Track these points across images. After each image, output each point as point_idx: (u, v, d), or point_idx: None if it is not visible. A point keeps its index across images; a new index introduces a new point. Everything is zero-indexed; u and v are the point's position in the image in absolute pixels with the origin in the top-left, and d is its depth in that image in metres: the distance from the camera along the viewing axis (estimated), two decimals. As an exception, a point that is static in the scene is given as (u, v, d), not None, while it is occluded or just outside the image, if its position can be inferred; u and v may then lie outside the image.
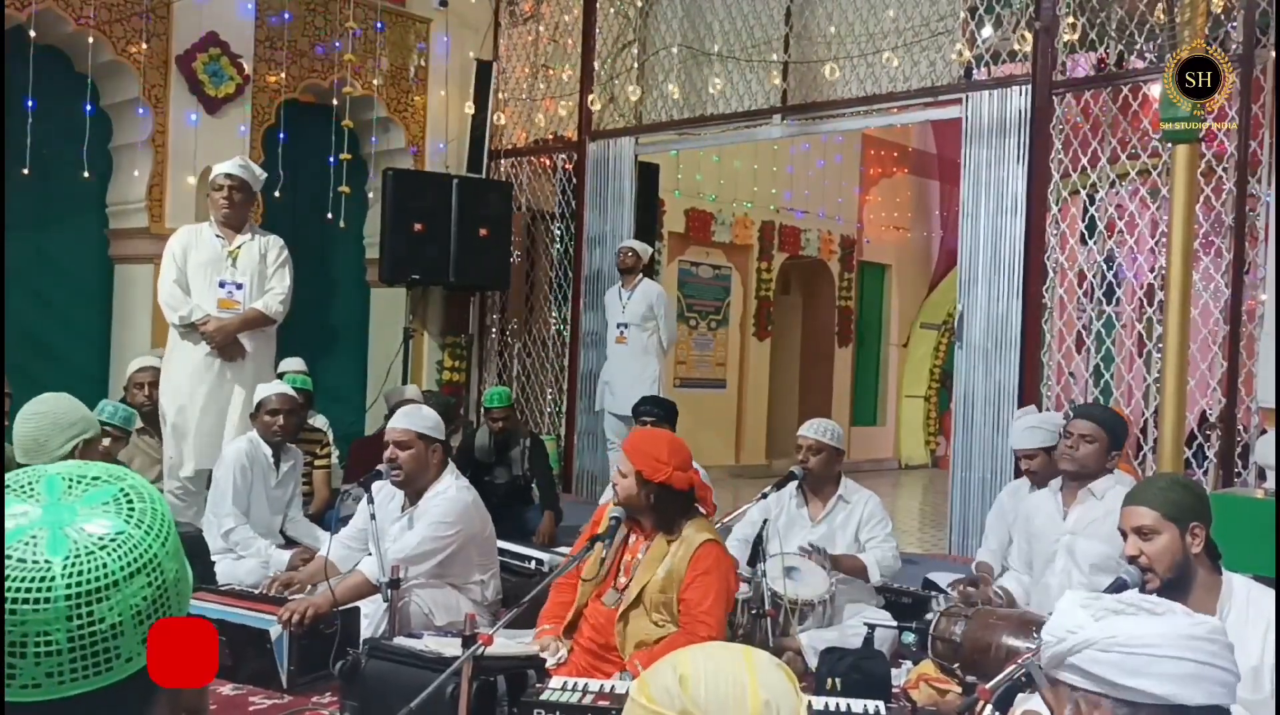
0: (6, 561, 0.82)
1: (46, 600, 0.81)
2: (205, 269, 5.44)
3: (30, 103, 6.22)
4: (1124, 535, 2.76)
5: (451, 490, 4.16)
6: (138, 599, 0.85)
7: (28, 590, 0.81)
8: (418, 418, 4.21)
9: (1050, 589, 3.97)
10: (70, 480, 0.88)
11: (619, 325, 7.27)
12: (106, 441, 4.77)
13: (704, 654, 1.19)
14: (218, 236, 5.49)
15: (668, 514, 3.47)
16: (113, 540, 0.85)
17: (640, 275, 7.28)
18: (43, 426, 3.36)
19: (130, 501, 0.88)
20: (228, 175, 5.47)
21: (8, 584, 0.81)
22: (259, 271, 5.51)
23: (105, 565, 0.84)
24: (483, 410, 7.12)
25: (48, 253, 6.76)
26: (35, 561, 0.82)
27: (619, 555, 3.54)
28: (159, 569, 0.87)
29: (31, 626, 0.81)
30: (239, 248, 5.49)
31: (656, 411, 5.76)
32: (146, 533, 0.88)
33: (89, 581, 0.83)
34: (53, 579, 0.82)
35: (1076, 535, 3.95)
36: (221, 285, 5.45)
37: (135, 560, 0.86)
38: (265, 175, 5.83)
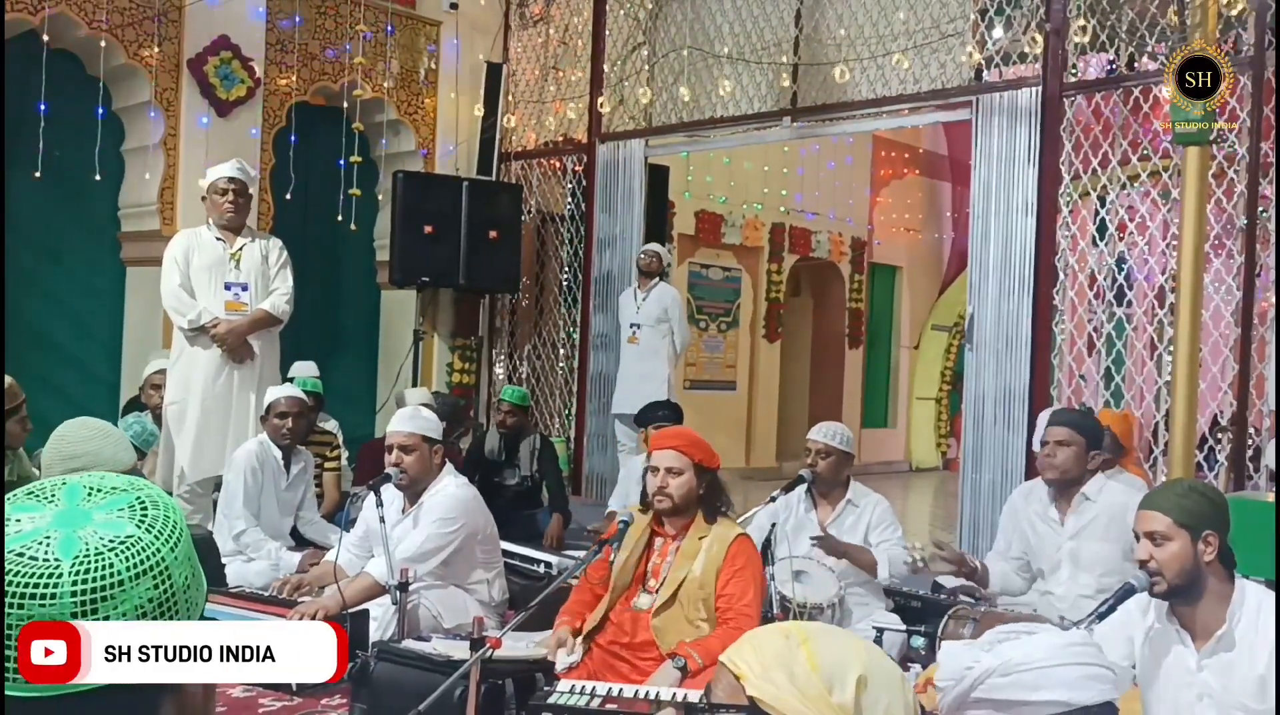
0: (19, 560, 0.86)
1: (53, 596, 0.85)
2: (209, 272, 5.46)
3: (43, 106, 6.25)
4: (1138, 538, 2.75)
5: (451, 486, 4.18)
6: (143, 600, 0.88)
7: (35, 585, 0.85)
8: (419, 420, 4.22)
9: (1055, 597, 3.97)
10: (90, 489, 0.93)
11: (632, 325, 7.28)
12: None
13: (885, 665, 1.19)
14: (218, 239, 5.51)
15: (715, 501, 3.51)
16: (122, 543, 0.89)
17: (658, 278, 7.31)
18: (51, 450, 3.35)
19: (144, 508, 0.92)
20: (230, 179, 5.49)
21: (18, 579, 0.85)
22: (262, 272, 5.54)
23: (112, 565, 0.87)
24: (495, 402, 7.14)
25: (60, 255, 6.80)
26: (46, 560, 0.86)
27: (645, 560, 3.53)
28: (166, 573, 0.90)
29: (38, 620, 0.85)
30: (240, 250, 5.52)
31: (670, 416, 5.77)
32: (156, 537, 0.91)
33: (95, 580, 0.86)
34: (60, 576, 0.86)
35: (1078, 541, 3.95)
36: (227, 288, 5.47)
37: (142, 562, 0.89)
38: (259, 174, 5.84)
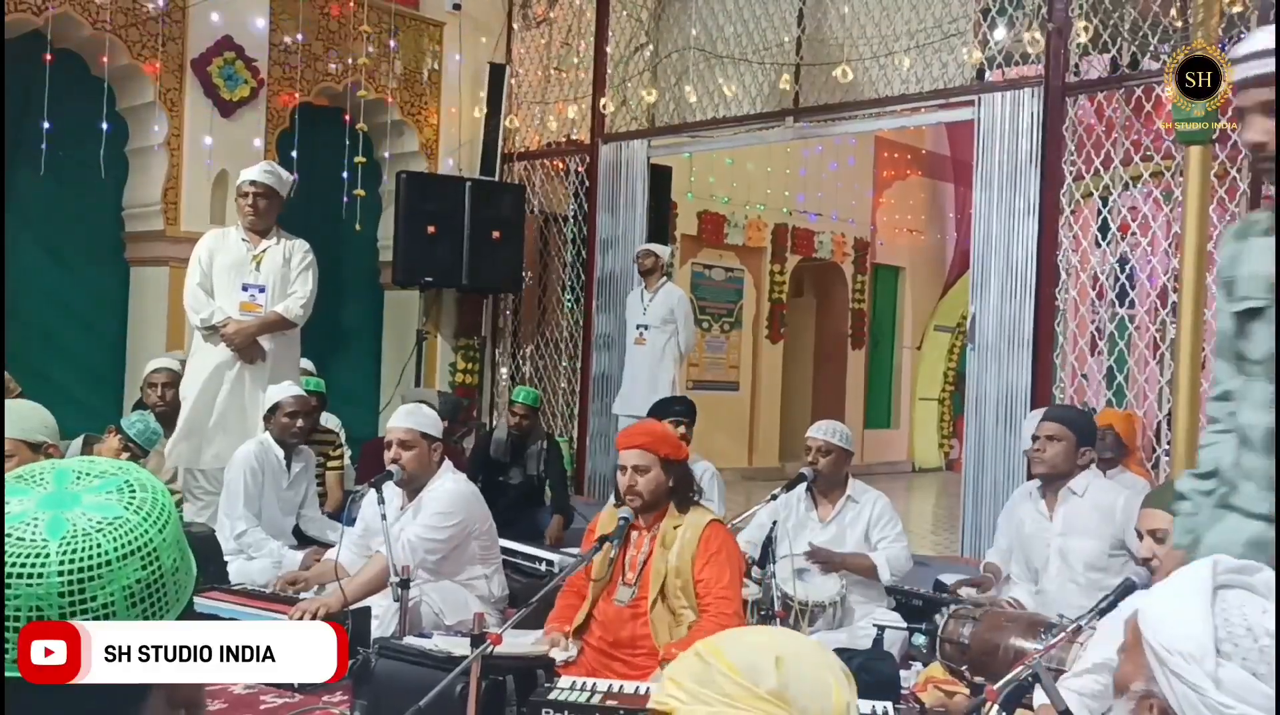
0: (7, 541, 0.87)
1: (40, 576, 0.86)
2: (229, 272, 5.50)
3: (47, 106, 6.27)
4: (1140, 536, 2.75)
5: (449, 482, 4.19)
6: (130, 580, 0.89)
7: (23, 565, 0.86)
8: (419, 417, 4.23)
9: (1048, 593, 3.97)
10: (79, 473, 0.93)
11: (639, 327, 7.28)
12: (126, 455, 4.77)
13: (795, 640, 1.19)
14: (243, 240, 5.57)
15: (685, 491, 3.55)
16: (109, 524, 0.89)
17: (663, 278, 7.32)
18: None
19: (132, 490, 0.93)
20: (253, 182, 5.52)
21: (6, 560, 0.86)
22: (282, 275, 5.56)
23: (100, 546, 0.88)
24: (507, 403, 7.15)
25: (64, 255, 6.81)
26: (34, 540, 0.87)
27: (622, 554, 3.56)
28: (154, 554, 0.91)
29: (25, 601, 0.86)
30: (263, 252, 5.56)
31: (684, 411, 5.77)
32: (144, 519, 0.91)
33: (82, 560, 0.87)
34: (48, 556, 0.86)
35: (1066, 536, 3.95)
36: (244, 288, 5.50)
37: (129, 543, 0.89)
38: (293, 179, 5.87)
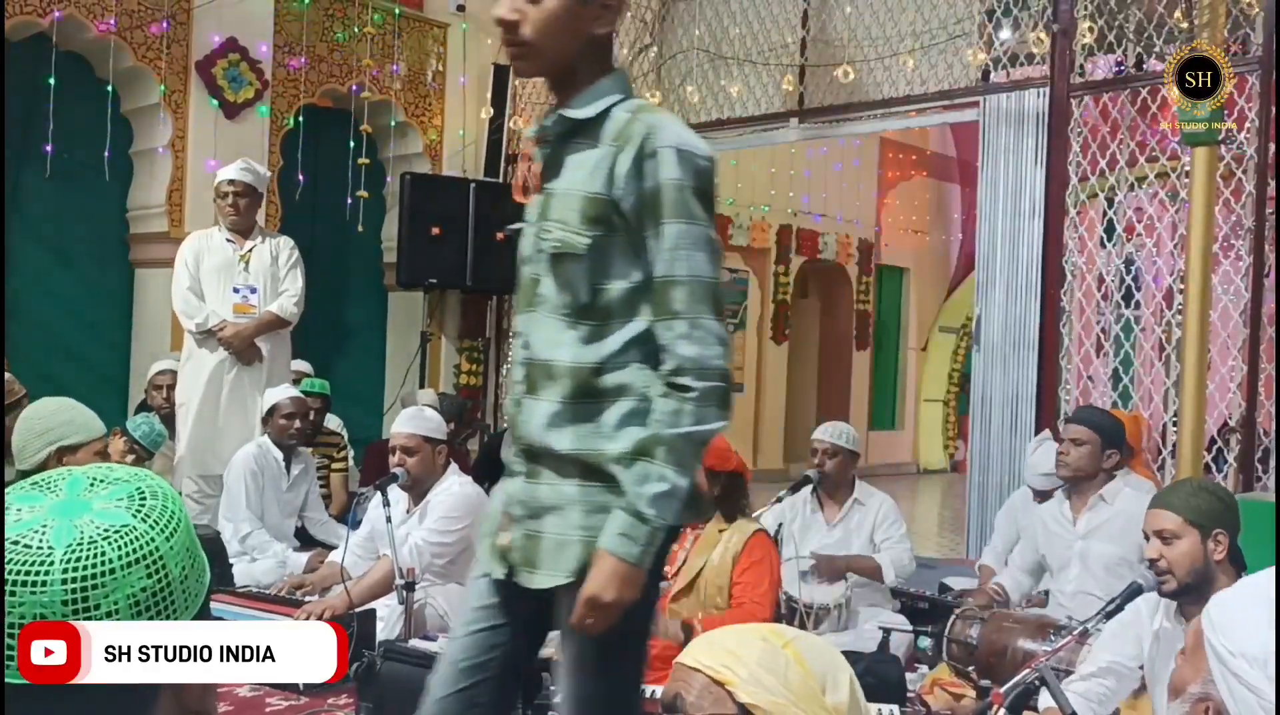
0: (14, 548, 0.86)
1: (43, 584, 0.85)
2: (218, 274, 5.48)
3: (52, 108, 6.27)
4: (1147, 537, 2.75)
5: (455, 485, 4.18)
6: (135, 589, 0.88)
7: (27, 572, 0.86)
8: (421, 421, 4.22)
9: (1064, 596, 3.95)
10: (92, 479, 0.93)
11: None
12: (131, 457, 4.78)
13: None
14: (228, 241, 5.55)
15: (734, 500, 3.64)
16: (116, 532, 0.89)
17: None
18: (21, 432, 3.14)
19: (143, 498, 0.92)
20: (230, 182, 5.51)
21: (11, 567, 0.86)
22: (271, 274, 5.56)
23: (104, 554, 0.87)
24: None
25: (68, 257, 6.82)
26: (39, 547, 0.87)
27: None
28: (161, 563, 0.90)
29: (29, 609, 0.85)
30: (250, 251, 5.54)
31: None
32: (151, 527, 0.90)
33: (86, 568, 0.86)
34: (51, 564, 0.86)
35: (1089, 541, 3.93)
36: (236, 290, 5.49)
37: (135, 551, 0.88)
38: (269, 174, 5.85)
